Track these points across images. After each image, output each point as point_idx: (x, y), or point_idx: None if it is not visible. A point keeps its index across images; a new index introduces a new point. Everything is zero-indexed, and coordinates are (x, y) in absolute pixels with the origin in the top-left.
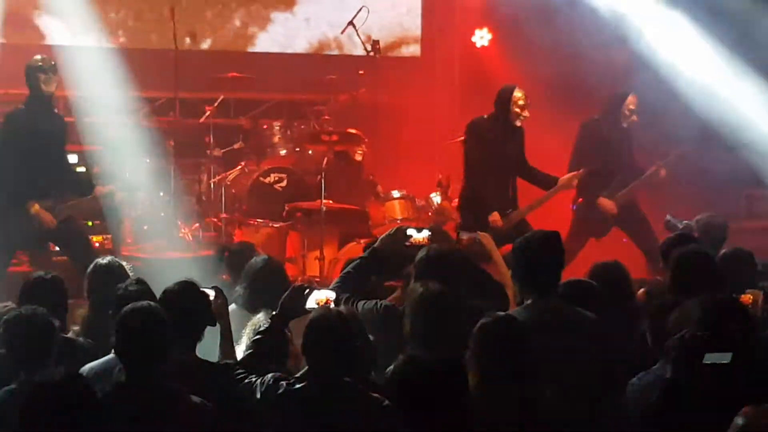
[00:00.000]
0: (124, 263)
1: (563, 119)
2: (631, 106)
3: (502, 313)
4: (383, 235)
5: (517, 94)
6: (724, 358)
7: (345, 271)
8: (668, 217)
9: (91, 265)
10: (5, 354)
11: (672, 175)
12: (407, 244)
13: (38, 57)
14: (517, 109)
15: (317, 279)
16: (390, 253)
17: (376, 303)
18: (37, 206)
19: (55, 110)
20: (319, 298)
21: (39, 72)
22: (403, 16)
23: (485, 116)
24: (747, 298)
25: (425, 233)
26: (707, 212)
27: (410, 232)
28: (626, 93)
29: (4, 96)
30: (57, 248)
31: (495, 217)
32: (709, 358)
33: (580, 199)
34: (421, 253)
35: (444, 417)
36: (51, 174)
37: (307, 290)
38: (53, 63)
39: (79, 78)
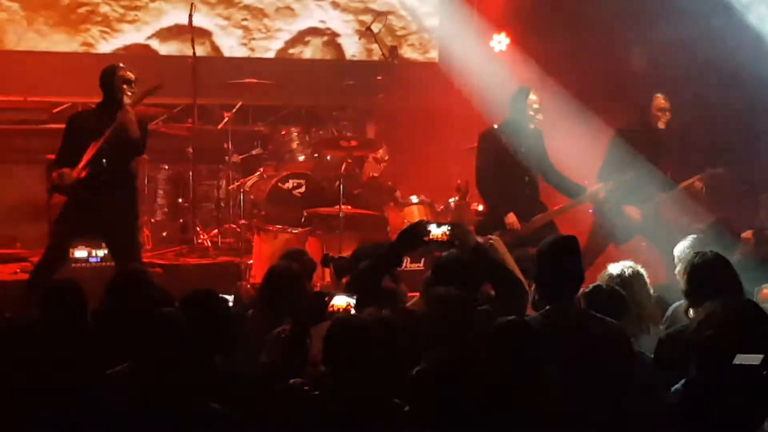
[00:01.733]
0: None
1: (581, 124)
2: (661, 106)
3: (512, 319)
4: (401, 231)
5: (532, 97)
6: (755, 359)
7: (361, 268)
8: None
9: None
10: None
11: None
12: (426, 239)
13: (123, 67)
14: (531, 113)
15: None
16: (408, 249)
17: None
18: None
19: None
20: (339, 303)
21: (124, 83)
22: (421, 21)
23: (496, 125)
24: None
25: (444, 228)
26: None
27: (430, 227)
28: (651, 96)
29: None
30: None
31: (511, 218)
32: (740, 359)
33: (608, 206)
34: (439, 260)
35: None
36: None
37: (327, 297)
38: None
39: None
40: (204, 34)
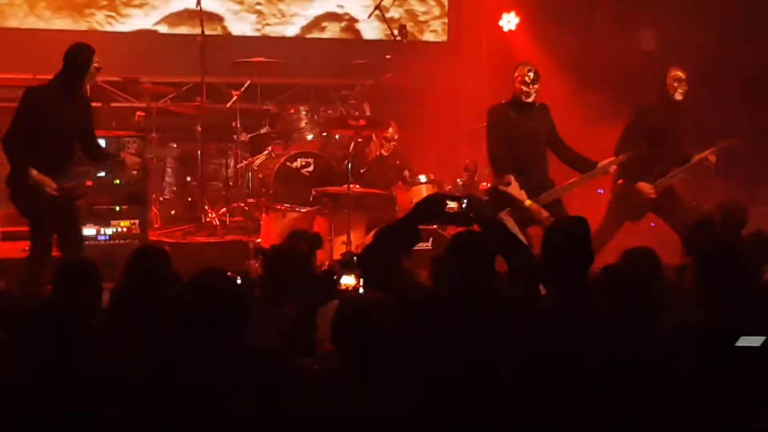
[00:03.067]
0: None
1: (592, 102)
2: (677, 77)
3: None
4: (416, 203)
5: (522, 69)
6: (756, 341)
7: (375, 239)
8: (694, 202)
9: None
10: None
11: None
12: (444, 210)
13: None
14: (521, 86)
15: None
16: (427, 219)
17: None
18: (35, 171)
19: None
20: (347, 282)
21: (92, 65)
22: (431, 0)
23: (503, 102)
24: None
25: (460, 200)
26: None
27: (447, 200)
28: (666, 67)
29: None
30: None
31: (522, 195)
32: (743, 341)
33: (620, 181)
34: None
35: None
36: (64, 153)
37: (336, 276)
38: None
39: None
40: (215, 19)
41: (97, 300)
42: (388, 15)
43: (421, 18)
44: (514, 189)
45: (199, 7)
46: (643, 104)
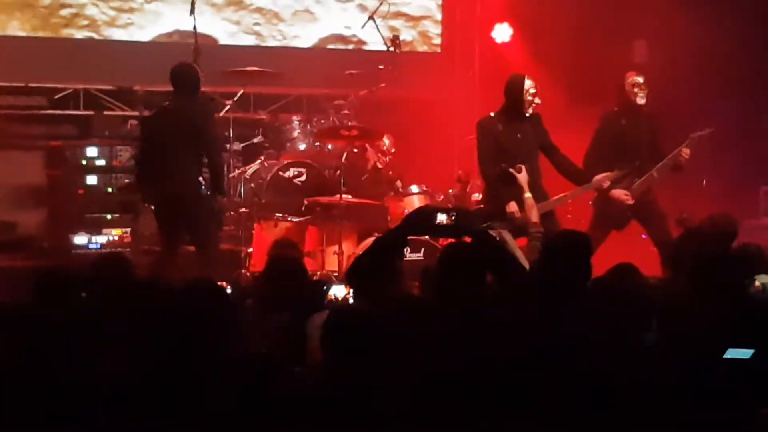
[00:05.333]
0: None
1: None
2: (634, 82)
3: None
4: (407, 215)
5: (528, 82)
6: (745, 354)
7: (364, 253)
8: (684, 215)
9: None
10: None
11: (695, 165)
12: (434, 223)
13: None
14: (529, 98)
15: (336, 274)
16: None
17: None
18: None
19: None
20: (337, 293)
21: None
22: (424, 10)
23: (492, 113)
24: None
25: (450, 213)
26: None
27: (437, 213)
28: (624, 73)
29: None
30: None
31: (513, 207)
32: (731, 353)
33: (595, 194)
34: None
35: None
36: None
37: (325, 287)
38: None
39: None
40: (210, 41)
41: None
42: (381, 24)
43: (415, 29)
44: (522, 178)
45: (194, 24)
46: (607, 112)
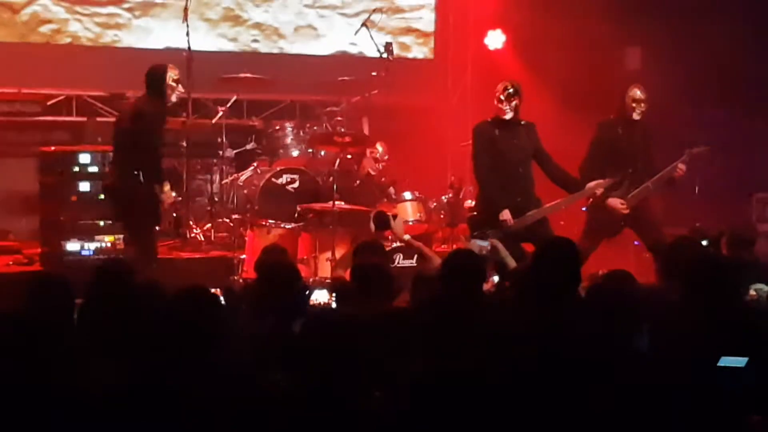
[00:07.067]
0: None
1: (578, 121)
2: (636, 97)
3: None
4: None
5: (499, 87)
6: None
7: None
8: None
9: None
10: None
11: (688, 175)
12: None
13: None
14: (498, 104)
15: (328, 280)
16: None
17: None
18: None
19: None
20: (319, 298)
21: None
22: (417, 17)
23: (488, 120)
24: None
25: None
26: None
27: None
28: (627, 85)
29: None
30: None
31: (506, 215)
32: (725, 362)
33: (590, 200)
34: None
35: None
36: None
37: (307, 291)
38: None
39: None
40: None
41: (69, 316)
42: (374, 32)
43: (408, 35)
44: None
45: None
46: (604, 120)
